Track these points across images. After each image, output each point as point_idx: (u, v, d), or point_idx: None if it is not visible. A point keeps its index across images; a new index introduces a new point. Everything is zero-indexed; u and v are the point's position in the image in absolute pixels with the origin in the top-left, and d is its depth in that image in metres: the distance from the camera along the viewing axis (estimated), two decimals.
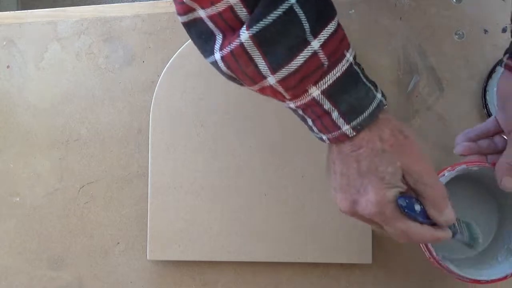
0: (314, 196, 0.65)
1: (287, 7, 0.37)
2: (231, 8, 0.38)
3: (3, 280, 0.72)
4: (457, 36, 0.68)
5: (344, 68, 0.40)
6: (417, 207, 0.44)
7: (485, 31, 0.67)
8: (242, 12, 0.38)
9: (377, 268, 0.66)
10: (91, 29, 0.73)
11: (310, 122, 0.44)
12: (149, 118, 0.68)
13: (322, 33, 0.39)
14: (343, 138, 0.42)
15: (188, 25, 0.42)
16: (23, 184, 0.73)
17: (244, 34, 0.38)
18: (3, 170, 0.74)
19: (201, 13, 0.40)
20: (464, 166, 0.54)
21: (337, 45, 0.40)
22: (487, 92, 0.65)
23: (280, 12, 0.37)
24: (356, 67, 0.42)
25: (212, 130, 0.67)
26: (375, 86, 0.43)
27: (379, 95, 0.42)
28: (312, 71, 0.39)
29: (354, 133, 0.42)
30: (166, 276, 0.69)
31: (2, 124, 0.74)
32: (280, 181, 0.66)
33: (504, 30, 0.67)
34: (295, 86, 0.40)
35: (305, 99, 0.41)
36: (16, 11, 0.80)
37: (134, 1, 0.81)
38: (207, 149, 0.67)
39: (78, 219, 0.71)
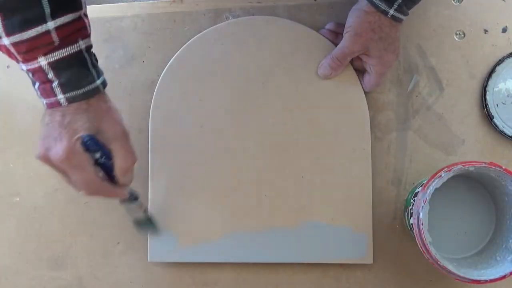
0: (314, 196, 0.65)
1: None
2: None
3: (3, 280, 0.72)
4: (457, 36, 0.68)
5: (73, 51, 0.49)
6: (98, 155, 0.53)
7: (485, 31, 0.67)
8: None
9: (377, 268, 0.66)
10: (91, 29, 0.73)
11: (36, 85, 0.52)
12: (149, 118, 0.68)
13: (60, 18, 0.48)
14: (57, 104, 0.51)
15: None
16: (23, 184, 0.73)
17: None
18: (3, 170, 0.74)
19: None
20: (460, 166, 0.54)
21: (72, 32, 0.49)
22: (487, 92, 0.65)
23: None
24: (86, 54, 0.51)
25: (212, 130, 0.67)
26: (99, 76, 0.53)
27: (98, 82, 0.52)
28: (42, 44, 0.48)
29: (66, 103, 0.50)
30: (166, 276, 0.69)
31: (2, 124, 0.74)
32: (280, 182, 0.66)
33: (504, 30, 0.67)
34: (26, 52, 0.48)
35: (33, 65, 0.49)
36: None
37: (134, 1, 0.81)
38: (207, 149, 0.67)
39: (78, 219, 0.71)
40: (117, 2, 0.76)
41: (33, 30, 0.47)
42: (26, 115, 0.74)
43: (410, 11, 0.61)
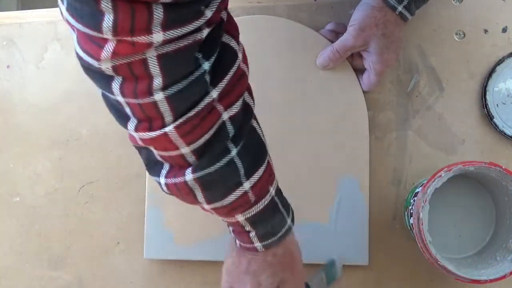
0: (312, 196, 0.65)
1: (228, 159, 0.45)
2: (182, 156, 0.44)
3: (3, 280, 0.72)
4: (457, 36, 0.68)
5: (266, 202, 0.49)
6: None
7: (485, 31, 0.67)
8: (192, 158, 0.44)
9: (377, 268, 0.66)
10: None
11: (231, 230, 0.53)
12: None
13: (253, 176, 0.47)
14: (253, 250, 0.52)
15: (139, 148, 0.48)
16: (23, 184, 0.73)
17: (189, 176, 0.44)
18: (3, 170, 0.74)
19: (153, 150, 0.46)
20: (460, 166, 0.54)
21: (264, 184, 0.48)
22: (487, 92, 0.65)
23: (222, 164, 0.44)
24: (276, 198, 0.51)
25: None
26: (288, 209, 0.53)
27: (289, 221, 0.52)
28: (240, 205, 0.48)
29: (263, 250, 0.52)
30: (166, 276, 0.69)
31: (2, 124, 0.74)
32: (278, 182, 0.66)
33: (504, 30, 0.67)
34: (225, 214, 0.49)
35: (230, 220, 0.50)
36: (16, 11, 0.80)
37: None
38: None
39: (78, 219, 0.71)
40: None
41: (232, 196, 0.47)
42: (26, 115, 0.74)
43: (415, 12, 0.61)
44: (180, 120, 0.41)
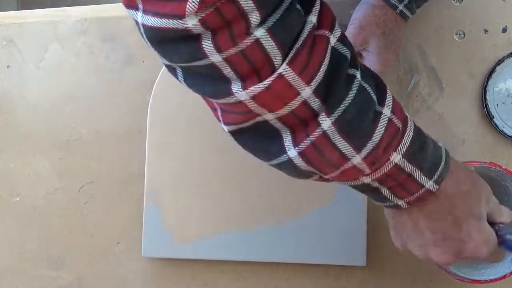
0: (310, 196, 0.65)
1: (358, 85, 0.38)
2: (304, 103, 0.37)
3: (3, 280, 0.72)
4: (457, 36, 0.68)
5: (413, 127, 0.42)
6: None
7: (485, 31, 0.67)
8: (316, 103, 0.37)
9: (377, 268, 0.66)
10: (91, 29, 0.73)
11: (385, 191, 0.43)
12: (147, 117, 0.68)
13: (386, 99, 0.40)
14: (426, 195, 0.43)
15: (240, 132, 0.40)
16: (23, 184, 0.73)
17: (326, 121, 0.37)
18: (3, 170, 0.74)
19: (268, 116, 0.38)
20: None
21: (399, 107, 0.41)
22: (487, 92, 0.65)
23: (354, 92, 0.38)
24: (413, 122, 0.43)
25: (209, 129, 0.67)
26: (434, 142, 0.45)
27: (440, 143, 0.44)
28: (392, 138, 0.40)
29: (437, 187, 0.42)
30: (166, 276, 0.69)
31: (2, 124, 0.74)
32: (275, 181, 0.66)
33: (504, 30, 0.67)
34: (379, 157, 0.40)
35: (386, 168, 0.41)
36: (16, 11, 0.80)
37: None
38: (203, 148, 0.67)
39: (78, 219, 0.71)
40: (117, 2, 0.76)
41: (379, 127, 0.39)
42: (26, 115, 0.74)
43: (416, 11, 0.61)
44: (290, 55, 0.35)
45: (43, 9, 0.76)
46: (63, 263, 0.71)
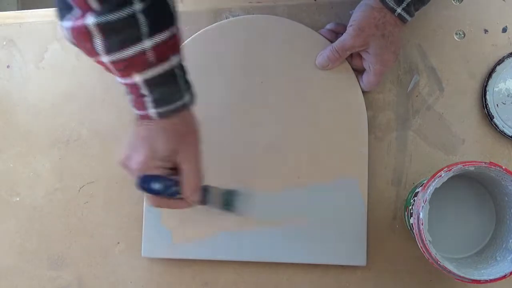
0: (310, 197, 0.65)
1: (129, 12, 0.46)
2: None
3: (3, 280, 0.72)
4: (457, 36, 0.68)
5: (165, 69, 0.51)
6: (157, 186, 0.56)
7: (485, 31, 0.67)
8: (95, 3, 0.46)
9: (377, 268, 0.66)
10: None
11: (130, 98, 0.54)
12: None
13: (155, 37, 0.48)
14: (147, 117, 0.54)
15: None
16: (23, 184, 0.73)
17: (90, 19, 0.46)
18: (3, 170, 0.74)
19: None
20: (460, 166, 0.54)
21: (165, 49, 0.50)
22: (487, 92, 0.65)
23: (123, 15, 0.46)
24: (177, 70, 0.52)
25: (209, 129, 0.67)
26: (188, 89, 0.54)
27: (187, 97, 0.54)
28: (138, 63, 0.49)
29: (158, 118, 0.53)
30: (166, 276, 0.69)
31: (2, 124, 0.74)
32: (275, 181, 0.66)
33: (504, 30, 0.67)
34: (122, 69, 0.50)
35: (129, 80, 0.51)
36: (16, 11, 0.80)
37: None
38: (204, 148, 0.67)
39: (78, 219, 0.71)
40: None
41: (130, 49, 0.48)
42: (26, 115, 0.74)
43: (415, 14, 0.61)
44: None
45: (43, 9, 0.76)
46: (63, 263, 0.71)
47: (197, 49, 0.69)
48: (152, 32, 0.48)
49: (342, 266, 0.66)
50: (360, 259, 0.64)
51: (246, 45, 0.68)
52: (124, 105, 0.71)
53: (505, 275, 0.54)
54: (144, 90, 0.52)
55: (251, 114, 0.67)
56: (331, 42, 0.66)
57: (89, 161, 0.72)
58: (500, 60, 0.65)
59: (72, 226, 0.71)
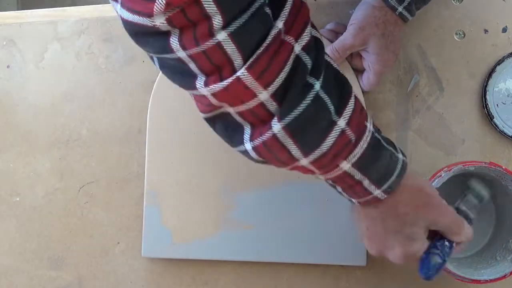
0: (309, 197, 0.65)
1: (314, 95, 0.40)
2: (262, 104, 0.40)
3: (3, 280, 0.72)
4: (457, 36, 0.68)
5: (368, 139, 0.44)
6: (434, 261, 0.50)
7: (485, 31, 0.67)
8: (273, 106, 0.40)
9: (377, 268, 0.66)
10: (91, 29, 0.73)
11: (339, 189, 0.48)
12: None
13: (345, 111, 0.42)
14: (375, 201, 0.47)
15: (212, 119, 0.44)
16: (23, 184, 0.73)
17: (277, 126, 0.40)
18: (3, 170, 0.74)
19: (229, 110, 0.41)
20: (460, 166, 0.54)
21: (359, 119, 0.43)
22: (487, 92, 0.65)
23: (308, 101, 0.40)
24: (377, 134, 0.46)
25: (209, 130, 0.67)
26: (394, 146, 0.47)
27: (400, 156, 0.47)
28: (342, 148, 0.42)
29: (385, 196, 0.46)
30: (166, 276, 0.69)
31: (2, 124, 0.74)
32: (276, 182, 0.66)
33: (504, 30, 0.67)
34: (327, 164, 0.43)
35: (336, 173, 0.44)
36: (16, 11, 0.80)
37: None
38: (203, 148, 0.67)
39: (78, 219, 0.71)
40: None
41: (329, 137, 0.41)
42: (26, 115, 0.74)
43: (416, 13, 0.61)
44: (251, 60, 0.38)
45: (43, 9, 0.76)
46: (63, 263, 0.71)
47: None
48: (340, 108, 0.42)
49: (342, 266, 0.66)
50: (360, 259, 0.64)
51: None
52: (124, 105, 0.72)
53: (505, 275, 0.54)
54: (358, 175, 0.45)
55: None
56: (331, 41, 0.66)
57: (89, 161, 0.72)
58: (500, 60, 0.65)
59: (72, 226, 0.71)
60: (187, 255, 0.67)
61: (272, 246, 0.65)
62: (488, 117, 0.65)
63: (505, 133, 0.65)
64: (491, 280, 0.54)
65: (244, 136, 0.42)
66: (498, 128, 0.65)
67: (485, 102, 0.65)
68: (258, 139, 0.41)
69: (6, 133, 0.74)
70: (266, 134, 0.41)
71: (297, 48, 0.40)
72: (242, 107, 0.40)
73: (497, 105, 0.65)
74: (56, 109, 0.73)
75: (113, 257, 0.70)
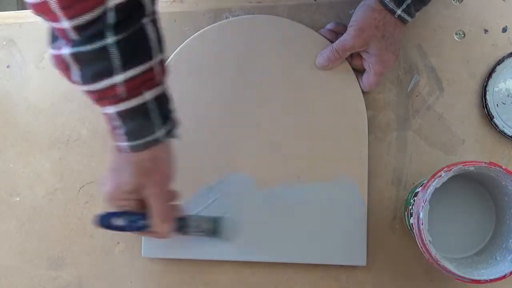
0: (309, 197, 0.65)
1: (101, 45, 0.47)
2: (64, 31, 0.47)
3: (3, 280, 0.72)
4: (457, 36, 0.68)
5: (136, 104, 0.51)
6: (119, 222, 0.58)
7: (485, 31, 0.67)
8: (73, 35, 0.47)
9: (377, 268, 0.66)
10: None
11: (108, 128, 0.55)
12: None
13: (128, 72, 0.49)
14: (121, 150, 0.54)
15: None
16: (23, 184, 0.73)
17: (67, 49, 0.48)
18: (3, 170, 0.74)
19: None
20: (460, 166, 0.54)
21: (138, 84, 0.50)
22: (487, 92, 0.65)
23: (94, 47, 0.47)
24: (149, 105, 0.52)
25: (209, 129, 0.68)
26: (165, 123, 0.54)
27: (159, 132, 0.54)
28: (110, 96, 0.50)
29: (129, 151, 0.54)
30: (166, 276, 0.69)
31: (2, 124, 0.74)
32: (276, 182, 0.66)
33: (504, 30, 0.67)
34: (96, 100, 0.51)
35: (104, 111, 0.52)
36: (16, 11, 0.80)
37: None
38: (203, 147, 0.67)
39: (78, 219, 0.71)
40: None
41: (101, 82, 0.49)
42: (26, 115, 0.74)
43: (415, 14, 0.61)
44: None
45: None
46: (63, 263, 0.71)
47: (197, 49, 0.69)
48: (125, 66, 0.49)
49: (342, 266, 0.66)
50: (360, 259, 0.64)
51: (246, 45, 0.68)
52: None
53: (505, 275, 0.54)
54: (117, 122, 0.52)
55: (250, 114, 0.67)
56: (331, 42, 0.66)
57: (89, 161, 0.72)
58: (500, 60, 0.65)
59: (72, 226, 0.71)
60: (187, 255, 0.67)
61: (272, 246, 0.65)
62: (488, 117, 0.65)
63: (505, 133, 0.65)
64: (491, 280, 0.54)
65: (56, 43, 0.50)
66: (498, 128, 0.65)
67: (485, 102, 0.65)
68: (55, 50, 0.49)
69: (6, 133, 0.74)
70: (59, 51, 0.49)
71: (111, 3, 0.46)
72: (53, 24, 0.48)
73: (497, 105, 0.65)
74: (56, 109, 0.73)
75: (113, 257, 0.70)
